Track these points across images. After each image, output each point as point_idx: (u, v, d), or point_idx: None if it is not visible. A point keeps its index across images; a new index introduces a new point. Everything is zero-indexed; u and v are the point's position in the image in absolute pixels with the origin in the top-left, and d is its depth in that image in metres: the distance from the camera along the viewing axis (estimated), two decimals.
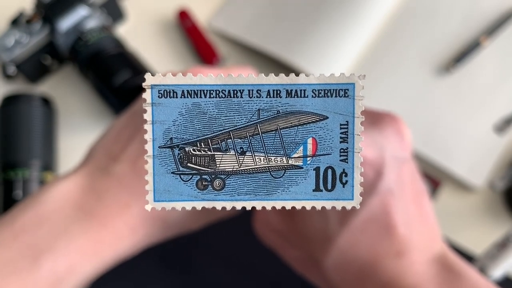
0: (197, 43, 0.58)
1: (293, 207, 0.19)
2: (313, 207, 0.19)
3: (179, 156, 0.18)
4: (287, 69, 0.56)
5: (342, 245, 0.31)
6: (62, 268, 0.31)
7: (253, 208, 0.19)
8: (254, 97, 0.18)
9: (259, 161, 0.19)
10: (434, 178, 0.53)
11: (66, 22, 0.54)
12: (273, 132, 0.18)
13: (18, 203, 0.45)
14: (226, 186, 0.19)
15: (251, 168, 0.19)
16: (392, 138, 0.32)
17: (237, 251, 0.50)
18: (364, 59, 0.58)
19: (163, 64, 0.60)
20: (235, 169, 0.18)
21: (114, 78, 0.53)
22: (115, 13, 0.60)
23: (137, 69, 0.54)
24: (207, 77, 0.18)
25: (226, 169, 0.18)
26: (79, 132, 0.58)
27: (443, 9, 0.60)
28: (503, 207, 0.52)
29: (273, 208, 0.19)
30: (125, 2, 0.61)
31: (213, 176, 0.18)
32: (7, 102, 0.54)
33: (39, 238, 0.31)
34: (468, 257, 0.49)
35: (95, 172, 0.34)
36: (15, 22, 0.55)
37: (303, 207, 0.18)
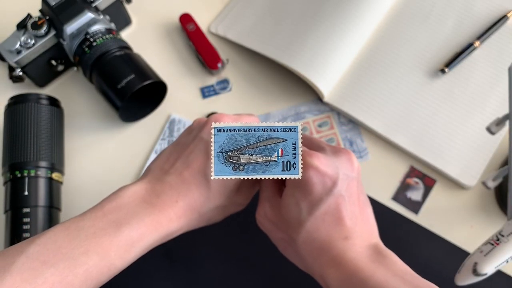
0: (199, 47, 0.59)
1: (273, 178, 0.41)
2: (281, 178, 0.41)
3: (225, 156, 0.41)
4: (286, 70, 0.59)
5: (308, 228, 0.40)
6: (135, 236, 0.39)
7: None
8: (256, 131, 0.42)
9: (259, 159, 0.42)
10: (429, 177, 0.54)
11: (72, 26, 0.53)
12: (264, 146, 0.43)
13: (24, 202, 0.51)
14: (245, 169, 0.41)
15: (255, 162, 0.41)
16: (345, 163, 0.41)
17: (238, 247, 0.54)
18: (359, 62, 0.58)
19: (166, 67, 0.59)
20: (248, 162, 0.42)
21: (117, 79, 0.52)
22: (119, 17, 0.59)
23: (140, 71, 0.53)
24: (238, 123, 0.42)
25: (245, 162, 0.42)
26: (83, 133, 0.57)
27: (437, 13, 0.59)
28: (496, 205, 0.52)
29: (265, 178, 0.42)
30: (129, 7, 0.60)
31: (239, 164, 0.42)
32: (15, 101, 0.52)
33: (120, 217, 0.39)
34: (462, 254, 0.49)
35: (154, 180, 0.43)
36: (22, 25, 0.54)
37: (277, 178, 0.41)
